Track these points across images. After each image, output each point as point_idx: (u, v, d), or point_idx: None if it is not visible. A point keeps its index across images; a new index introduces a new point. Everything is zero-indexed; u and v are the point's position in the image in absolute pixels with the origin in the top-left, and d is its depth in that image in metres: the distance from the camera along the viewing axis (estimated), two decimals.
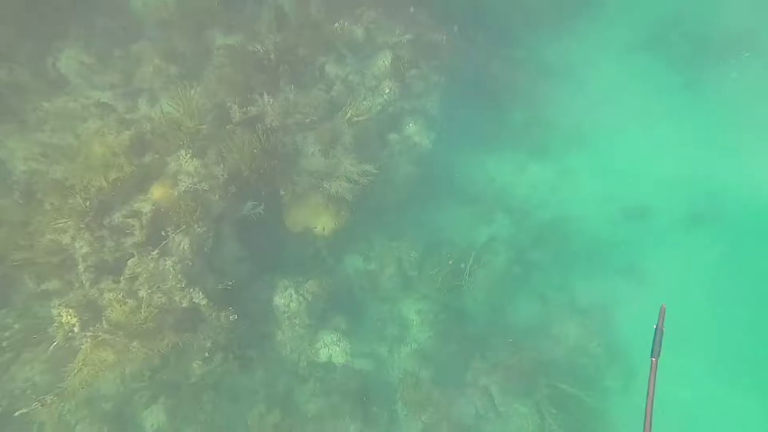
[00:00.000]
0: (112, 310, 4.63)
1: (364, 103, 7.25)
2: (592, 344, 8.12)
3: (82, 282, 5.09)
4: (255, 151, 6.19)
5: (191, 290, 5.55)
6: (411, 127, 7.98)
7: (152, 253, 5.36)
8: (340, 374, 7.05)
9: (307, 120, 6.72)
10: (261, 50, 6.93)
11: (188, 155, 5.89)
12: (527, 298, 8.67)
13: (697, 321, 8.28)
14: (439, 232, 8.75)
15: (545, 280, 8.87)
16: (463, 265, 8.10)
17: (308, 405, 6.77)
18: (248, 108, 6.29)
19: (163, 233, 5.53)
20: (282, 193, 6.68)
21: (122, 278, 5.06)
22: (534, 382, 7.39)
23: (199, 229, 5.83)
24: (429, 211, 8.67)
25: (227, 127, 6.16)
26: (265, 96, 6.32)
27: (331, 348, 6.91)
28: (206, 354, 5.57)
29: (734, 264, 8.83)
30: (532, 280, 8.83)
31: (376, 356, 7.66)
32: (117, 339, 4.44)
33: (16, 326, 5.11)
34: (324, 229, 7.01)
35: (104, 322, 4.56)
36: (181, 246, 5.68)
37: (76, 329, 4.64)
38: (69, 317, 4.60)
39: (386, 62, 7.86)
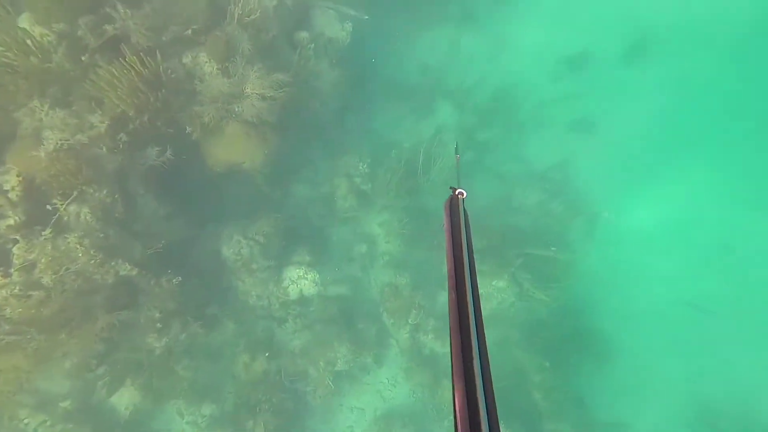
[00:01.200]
0: (11, 309, 3.74)
1: None
2: (554, 204, 8.16)
3: None
4: (135, 83, 4.89)
5: (113, 263, 4.67)
6: (321, 20, 6.70)
7: (43, 233, 4.31)
8: (316, 305, 6.70)
9: (188, 32, 5.33)
10: None
11: (44, 105, 4.55)
12: (485, 180, 8.42)
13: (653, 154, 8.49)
14: (383, 135, 7.99)
15: (499, 158, 8.57)
16: (415, 164, 7.56)
17: (293, 342, 6.47)
18: (103, 27, 4.81)
19: (49, 207, 4.43)
20: (188, 129, 5.54)
21: (13, 270, 4.07)
22: (506, 256, 7.39)
23: (96, 192, 4.75)
24: (366, 115, 7.80)
25: (83, 58, 4.73)
26: (119, 7, 4.82)
27: (300, 283, 6.43)
28: (158, 324, 4.89)
29: (675, 88, 8.81)
30: (487, 160, 8.51)
31: (351, 279, 7.34)
32: (29, 338, 3.64)
33: None
34: (254, 161, 6.07)
35: (3, 323, 3.70)
36: (82, 217, 4.64)
37: None
38: None
39: None
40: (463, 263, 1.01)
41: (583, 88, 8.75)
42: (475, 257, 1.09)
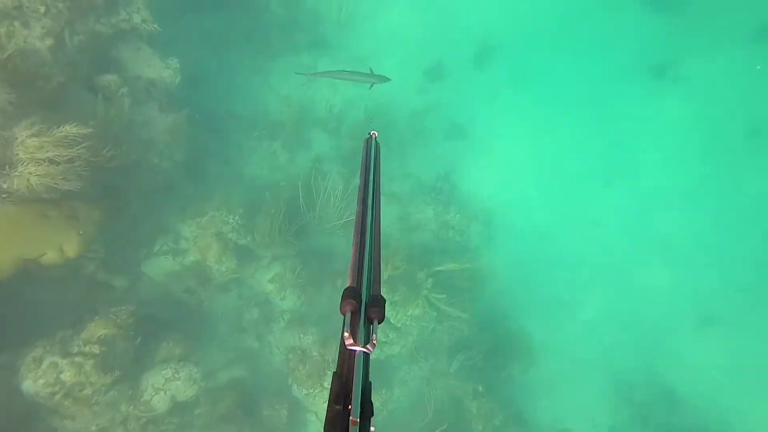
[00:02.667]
0: None
1: None
2: (450, 215, 7.81)
3: None
4: None
5: None
6: (134, 59, 5.34)
7: None
8: (203, 406, 5.10)
9: None
10: None
11: None
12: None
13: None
14: (252, 178, 6.79)
15: (387, 177, 8.01)
16: (297, 203, 6.53)
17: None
18: None
19: None
20: None
21: None
22: (416, 280, 6.71)
23: None
24: (226, 160, 6.55)
25: None
26: None
27: (169, 387, 4.78)
28: None
29: (525, 85, 9.33)
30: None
31: (245, 354, 5.89)
32: None
33: None
34: (64, 249, 4.37)
35: None
36: None
37: None
38: None
39: None
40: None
41: (448, 97, 8.79)
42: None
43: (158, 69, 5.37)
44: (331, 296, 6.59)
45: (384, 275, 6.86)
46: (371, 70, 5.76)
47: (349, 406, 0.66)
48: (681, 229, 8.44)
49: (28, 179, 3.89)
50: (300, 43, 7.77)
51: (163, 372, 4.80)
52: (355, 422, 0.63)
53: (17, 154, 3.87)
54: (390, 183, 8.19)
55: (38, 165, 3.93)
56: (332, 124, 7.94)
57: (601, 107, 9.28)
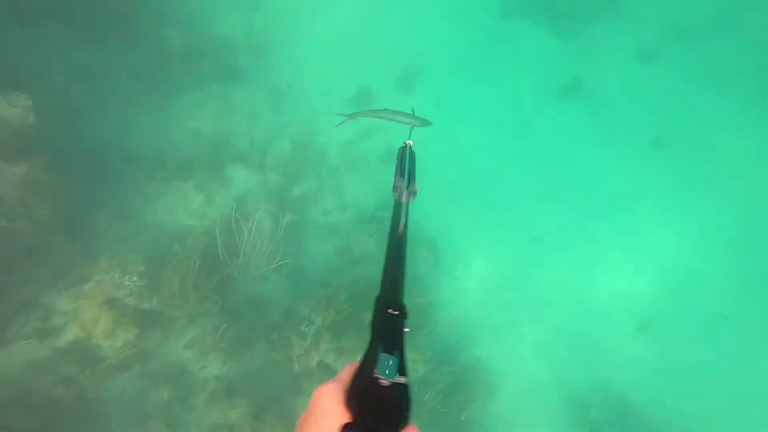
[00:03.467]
0: None
1: None
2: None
3: None
4: None
5: None
6: None
7: None
8: None
9: None
10: None
11: None
12: (318, 237, 7.05)
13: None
14: (157, 228, 5.66)
15: (324, 209, 7.37)
16: (215, 250, 5.53)
17: None
18: None
19: None
20: None
21: None
22: (363, 323, 5.95)
23: None
24: (118, 211, 5.39)
25: None
26: None
27: None
28: None
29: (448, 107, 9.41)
30: (311, 215, 7.18)
31: None
32: None
33: None
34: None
35: None
36: None
37: None
38: None
39: None
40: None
41: (378, 122, 8.51)
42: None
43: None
44: (267, 354, 5.57)
45: (326, 321, 6.05)
46: (413, 111, 5.07)
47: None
48: (611, 236, 8.73)
49: None
50: (207, 74, 6.99)
51: None
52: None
53: None
54: (327, 215, 7.51)
55: None
56: (255, 158, 7.14)
57: (522, 125, 9.61)
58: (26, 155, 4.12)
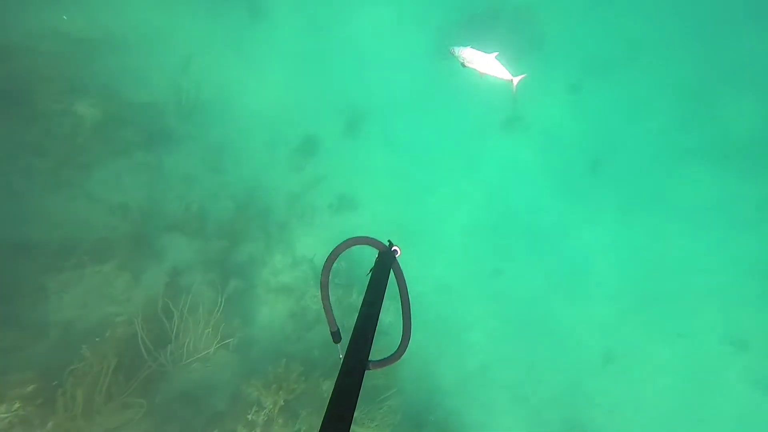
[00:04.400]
0: None
1: None
2: (354, 296, 6.78)
3: None
4: None
5: None
6: None
7: None
8: None
9: None
10: None
11: None
12: (270, 301, 6.39)
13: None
14: (51, 331, 4.85)
15: (274, 270, 6.78)
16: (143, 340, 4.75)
17: None
18: None
19: None
20: None
21: None
22: (321, 396, 5.29)
23: None
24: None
25: None
26: None
27: None
28: None
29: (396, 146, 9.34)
30: (261, 277, 6.54)
31: None
32: None
33: None
34: None
35: None
36: None
37: None
38: None
39: None
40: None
41: (326, 169, 8.28)
42: None
43: None
44: None
45: (278, 403, 5.31)
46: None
47: None
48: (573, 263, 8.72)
49: None
50: (132, 141, 6.44)
51: None
52: None
53: None
54: (277, 275, 6.92)
55: None
56: (193, 224, 6.53)
57: (468, 160, 9.68)
58: None
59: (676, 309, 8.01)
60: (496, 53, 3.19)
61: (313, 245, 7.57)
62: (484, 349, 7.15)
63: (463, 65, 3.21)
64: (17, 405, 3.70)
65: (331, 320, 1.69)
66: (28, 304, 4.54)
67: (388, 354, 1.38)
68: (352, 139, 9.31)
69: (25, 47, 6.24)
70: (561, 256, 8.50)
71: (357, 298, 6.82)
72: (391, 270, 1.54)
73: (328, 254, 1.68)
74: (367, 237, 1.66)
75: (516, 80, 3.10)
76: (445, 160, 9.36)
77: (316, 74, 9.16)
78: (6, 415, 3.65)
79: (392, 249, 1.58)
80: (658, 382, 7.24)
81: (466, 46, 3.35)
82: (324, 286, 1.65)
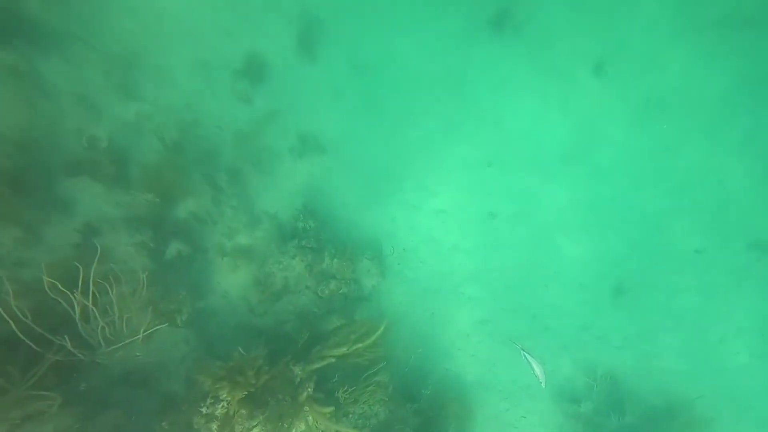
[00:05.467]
0: None
1: None
2: (326, 261, 5.62)
3: None
4: None
5: None
6: None
7: None
8: None
9: None
10: None
11: None
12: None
13: None
14: None
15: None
16: None
17: None
18: None
19: None
20: None
21: None
22: (292, 385, 4.32)
23: None
24: None
25: None
26: None
27: None
28: None
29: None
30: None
31: None
32: None
33: None
34: None
35: None
36: None
37: None
38: None
39: None
40: None
41: (282, 101, 6.57)
42: None
43: None
44: None
45: (235, 398, 4.20)
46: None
47: None
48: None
49: None
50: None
51: None
52: None
53: None
54: (233, 236, 5.53)
55: None
56: (107, 166, 4.79)
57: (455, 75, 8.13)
58: None
59: (689, 225, 7.62)
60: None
61: (274, 199, 6.16)
62: (482, 303, 6.45)
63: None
64: None
65: None
66: None
67: None
68: (310, 61, 7.47)
69: None
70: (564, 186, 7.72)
71: (330, 265, 5.68)
72: None
73: None
74: None
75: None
76: (429, 85, 7.87)
77: None
78: None
79: None
80: (675, 305, 7.03)
81: None
82: None
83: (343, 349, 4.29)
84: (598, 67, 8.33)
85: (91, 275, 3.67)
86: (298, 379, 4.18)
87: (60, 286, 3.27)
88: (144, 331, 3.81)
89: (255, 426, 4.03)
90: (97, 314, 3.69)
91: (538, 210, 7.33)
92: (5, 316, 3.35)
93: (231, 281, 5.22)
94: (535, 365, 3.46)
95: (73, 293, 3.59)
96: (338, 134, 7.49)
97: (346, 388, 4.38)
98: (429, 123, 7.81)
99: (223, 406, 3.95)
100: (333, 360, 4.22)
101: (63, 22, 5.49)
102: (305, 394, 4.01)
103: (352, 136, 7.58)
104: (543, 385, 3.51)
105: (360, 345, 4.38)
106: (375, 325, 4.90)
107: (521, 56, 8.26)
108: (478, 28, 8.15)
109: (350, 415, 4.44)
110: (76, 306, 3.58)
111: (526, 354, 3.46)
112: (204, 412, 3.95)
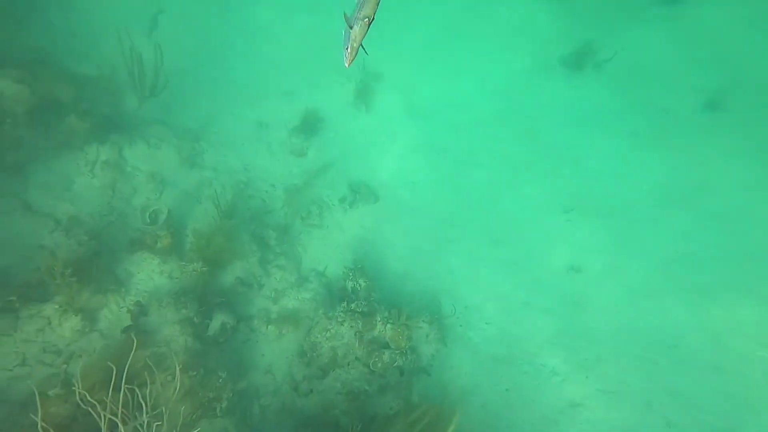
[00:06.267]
0: None
1: None
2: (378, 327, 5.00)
3: None
4: None
5: None
6: None
7: None
8: None
9: None
10: None
11: None
12: None
13: None
14: None
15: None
16: None
17: None
18: None
19: None
20: None
21: None
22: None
23: None
24: None
25: None
26: None
27: None
28: None
29: None
30: None
31: None
32: None
33: None
34: None
35: None
36: None
37: None
38: None
39: None
40: None
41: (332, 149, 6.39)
42: None
43: None
44: None
45: None
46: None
47: None
48: None
49: None
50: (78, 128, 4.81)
51: None
52: None
53: None
54: (279, 299, 5.24)
55: None
56: (163, 237, 4.93)
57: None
58: None
59: None
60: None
61: (322, 254, 5.86)
62: (570, 379, 5.21)
63: None
64: None
65: None
66: None
67: None
68: (366, 111, 7.35)
69: None
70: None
71: (383, 331, 5.06)
72: None
73: None
74: None
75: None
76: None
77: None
78: None
79: None
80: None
81: None
82: None
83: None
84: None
85: (123, 378, 3.53)
86: None
87: (88, 397, 3.08)
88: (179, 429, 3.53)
89: None
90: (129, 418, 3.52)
91: (635, 265, 5.91)
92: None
93: (275, 351, 4.87)
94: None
95: (104, 401, 3.41)
96: (392, 180, 7.15)
97: None
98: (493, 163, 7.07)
99: None
100: None
101: (150, 112, 6.12)
102: None
103: (408, 182, 7.16)
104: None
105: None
106: (440, 411, 4.09)
107: None
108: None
109: None
110: (104, 420, 3.37)
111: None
112: None
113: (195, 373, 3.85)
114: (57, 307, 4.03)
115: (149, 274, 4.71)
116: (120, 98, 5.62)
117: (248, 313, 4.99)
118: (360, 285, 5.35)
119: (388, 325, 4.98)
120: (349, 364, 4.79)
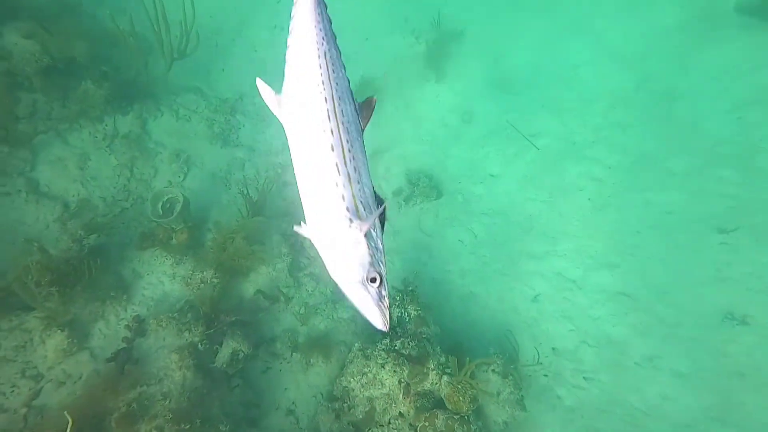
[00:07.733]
0: None
1: None
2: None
3: None
4: None
5: None
6: None
7: None
8: None
9: None
10: None
11: None
12: None
13: None
14: None
15: None
16: None
17: None
18: None
19: None
20: None
21: None
22: None
23: None
24: None
25: None
26: None
27: None
28: None
29: None
30: None
31: None
32: None
33: None
34: None
35: None
36: None
37: None
38: None
39: None
40: None
41: None
42: None
43: None
44: None
45: None
46: None
47: None
48: None
49: None
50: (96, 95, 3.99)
51: None
52: None
53: None
54: (309, 318, 4.15)
55: None
56: (179, 231, 4.02)
57: None
58: None
59: None
60: None
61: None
62: None
63: None
64: None
65: None
66: None
67: None
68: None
69: None
70: None
71: (436, 385, 3.69)
72: None
73: None
74: None
75: None
76: None
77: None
78: None
79: None
80: None
81: None
82: None
83: None
84: None
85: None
86: None
87: None
88: None
89: None
90: None
91: None
92: None
93: (301, 386, 3.81)
94: None
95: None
96: (462, 172, 5.53)
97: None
98: (607, 157, 5.06)
99: None
100: None
101: (182, 77, 5.21)
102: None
103: (484, 175, 5.50)
104: None
105: None
106: None
107: None
108: None
109: None
110: None
111: None
112: None
113: (188, 426, 2.89)
114: (41, 317, 3.31)
115: (159, 276, 3.86)
116: (146, 59, 4.70)
117: (271, 334, 3.96)
118: (409, 314, 4.00)
119: (444, 378, 3.60)
120: (389, 423, 3.55)
